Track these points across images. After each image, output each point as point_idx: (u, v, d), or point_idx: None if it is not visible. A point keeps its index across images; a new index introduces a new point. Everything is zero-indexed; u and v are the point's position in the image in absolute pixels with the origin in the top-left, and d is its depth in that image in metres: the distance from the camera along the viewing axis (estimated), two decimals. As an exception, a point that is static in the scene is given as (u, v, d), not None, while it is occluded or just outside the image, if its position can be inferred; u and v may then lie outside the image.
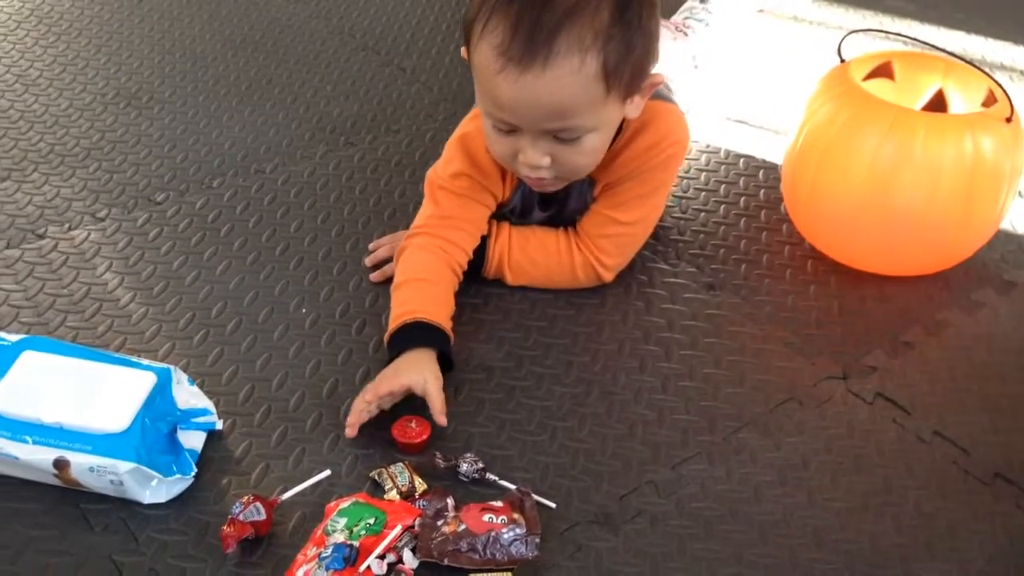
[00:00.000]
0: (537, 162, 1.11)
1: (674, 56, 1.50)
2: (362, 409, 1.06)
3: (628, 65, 1.06)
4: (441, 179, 1.23)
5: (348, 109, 1.63)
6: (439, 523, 0.96)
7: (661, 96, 1.21)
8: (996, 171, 1.21)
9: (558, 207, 1.27)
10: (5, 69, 1.70)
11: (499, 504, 0.98)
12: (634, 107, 1.13)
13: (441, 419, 1.06)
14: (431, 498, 0.99)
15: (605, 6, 1.03)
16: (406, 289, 1.17)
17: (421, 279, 1.17)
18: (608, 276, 1.26)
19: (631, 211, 1.22)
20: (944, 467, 1.08)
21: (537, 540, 0.95)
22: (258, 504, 0.95)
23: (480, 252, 1.24)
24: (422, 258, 1.19)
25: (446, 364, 1.12)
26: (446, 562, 0.93)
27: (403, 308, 1.14)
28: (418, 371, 1.08)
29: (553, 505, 1.00)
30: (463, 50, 1.12)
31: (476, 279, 1.26)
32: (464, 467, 1.02)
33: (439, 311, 1.15)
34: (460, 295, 1.25)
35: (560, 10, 1.02)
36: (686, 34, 1.60)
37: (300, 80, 1.70)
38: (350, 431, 1.05)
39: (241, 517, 0.95)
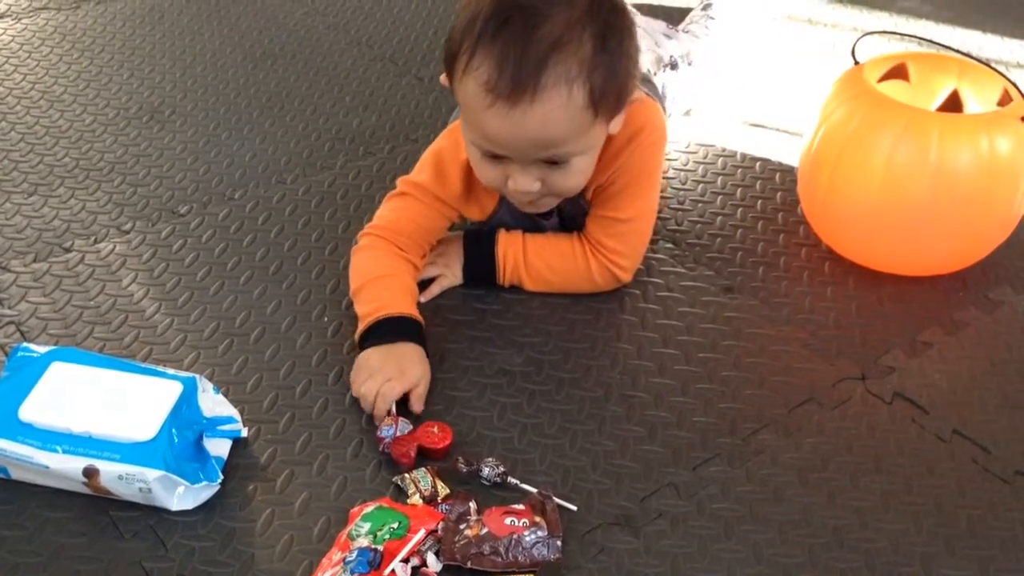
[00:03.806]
0: (528, 188, 1.12)
1: (651, 54, 1.52)
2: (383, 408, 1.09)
3: (613, 90, 1.08)
4: (407, 183, 1.26)
5: (367, 119, 1.65)
6: (462, 526, 0.97)
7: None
8: (1012, 170, 1.22)
9: (557, 214, 1.28)
10: (30, 86, 1.72)
11: (521, 507, 0.99)
12: (616, 123, 1.14)
13: (419, 406, 1.11)
14: (453, 502, 1.00)
15: (588, 37, 1.05)
16: (371, 288, 1.19)
17: (382, 276, 1.20)
18: (625, 276, 1.27)
19: (627, 207, 1.23)
20: (964, 466, 1.08)
21: (559, 542, 0.96)
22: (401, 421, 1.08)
23: (490, 259, 1.26)
24: (375, 257, 1.22)
25: None
26: (469, 565, 0.94)
27: (374, 304, 1.16)
28: (422, 365, 1.13)
29: (574, 507, 1.01)
30: (443, 78, 1.13)
31: (494, 286, 1.28)
32: (486, 471, 1.04)
33: (410, 304, 1.18)
34: (478, 301, 1.26)
35: (545, 44, 1.03)
36: (682, 33, 1.62)
37: (319, 92, 1.72)
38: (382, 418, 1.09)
39: (397, 434, 1.06)
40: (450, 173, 1.23)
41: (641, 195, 1.24)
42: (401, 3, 2.01)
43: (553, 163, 1.11)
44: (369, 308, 1.16)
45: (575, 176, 1.14)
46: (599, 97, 1.06)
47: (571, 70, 1.04)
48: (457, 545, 0.95)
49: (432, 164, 1.24)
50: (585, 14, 1.05)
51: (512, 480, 1.04)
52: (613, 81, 1.07)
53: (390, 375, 1.10)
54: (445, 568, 0.95)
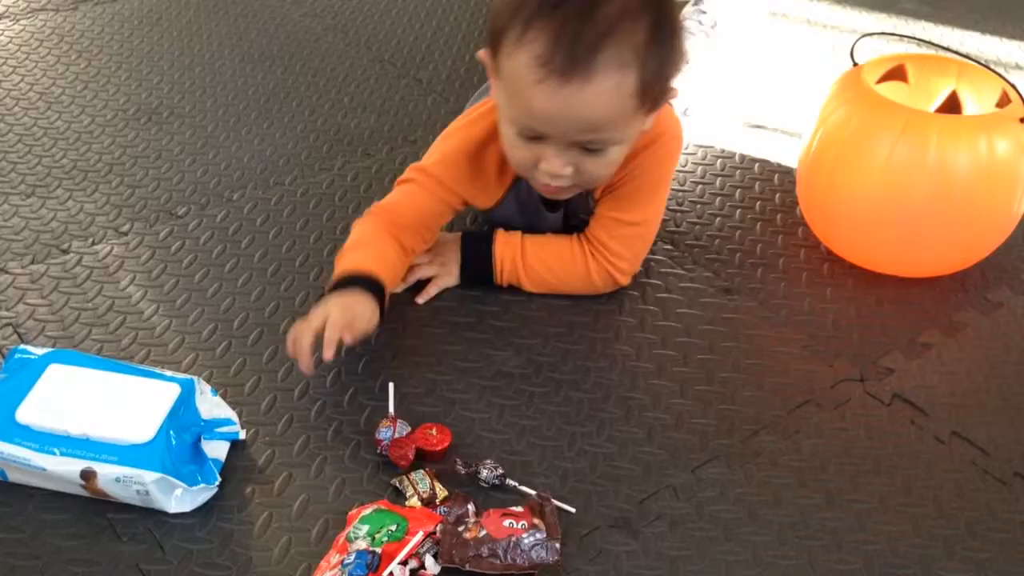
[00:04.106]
0: (560, 171, 1.11)
1: None
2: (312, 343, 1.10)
3: (660, 83, 1.08)
4: (414, 169, 1.25)
5: (365, 121, 1.64)
6: (460, 529, 0.97)
7: None
8: (1011, 171, 1.21)
9: (563, 207, 1.28)
10: (28, 87, 1.72)
11: (519, 509, 0.99)
12: (651, 119, 1.14)
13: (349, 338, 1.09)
14: (452, 504, 1.00)
15: (643, 25, 1.04)
16: (347, 256, 1.19)
17: (360, 244, 1.20)
18: (624, 280, 1.26)
19: (636, 210, 1.23)
20: (963, 467, 1.08)
21: (557, 545, 0.96)
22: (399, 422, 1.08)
23: (487, 260, 1.26)
24: (362, 231, 1.22)
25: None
26: (467, 567, 0.94)
27: (342, 267, 1.17)
28: (364, 305, 1.12)
29: (573, 510, 1.01)
30: (482, 53, 1.12)
31: (493, 288, 1.27)
32: (484, 473, 1.03)
33: (378, 266, 1.17)
34: (477, 303, 1.26)
35: (603, 25, 1.02)
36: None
37: (318, 93, 1.72)
38: (307, 369, 1.10)
39: (395, 436, 1.06)
40: (459, 159, 1.22)
41: (651, 200, 1.24)
42: (400, 5, 2.01)
43: (589, 150, 1.10)
44: (337, 271, 1.17)
45: (608, 166, 1.14)
46: (647, 87, 1.06)
47: (624, 55, 1.03)
48: (456, 547, 0.95)
49: (441, 150, 1.24)
50: (641, 2, 1.05)
51: (510, 482, 1.04)
52: (662, 73, 1.07)
53: (328, 313, 1.09)
54: (443, 570, 0.95)
